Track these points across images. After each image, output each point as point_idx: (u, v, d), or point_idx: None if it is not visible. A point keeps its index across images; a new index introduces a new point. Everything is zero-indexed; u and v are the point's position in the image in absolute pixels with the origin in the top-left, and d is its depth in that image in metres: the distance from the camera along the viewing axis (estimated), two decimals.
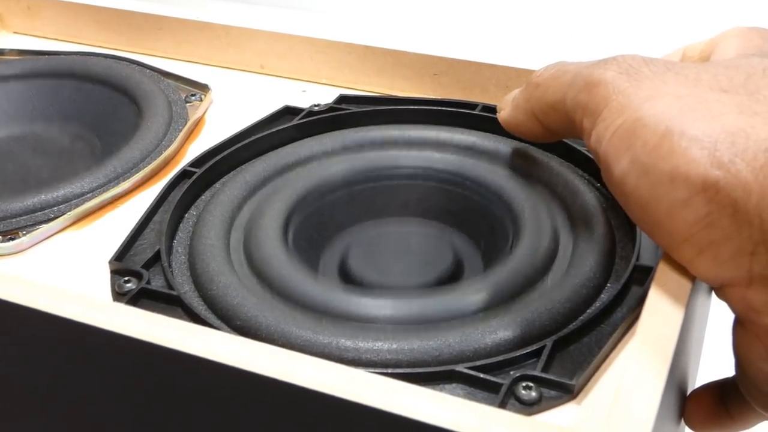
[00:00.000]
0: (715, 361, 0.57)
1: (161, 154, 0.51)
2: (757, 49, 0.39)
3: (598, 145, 0.35)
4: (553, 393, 0.35)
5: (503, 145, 0.50)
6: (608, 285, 0.40)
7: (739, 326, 0.35)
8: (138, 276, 0.41)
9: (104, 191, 0.48)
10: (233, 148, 0.50)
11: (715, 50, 0.43)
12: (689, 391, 0.44)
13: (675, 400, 0.39)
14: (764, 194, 0.31)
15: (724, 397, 0.41)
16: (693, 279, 0.35)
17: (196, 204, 0.47)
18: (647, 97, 0.34)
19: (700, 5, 1.17)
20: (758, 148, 0.31)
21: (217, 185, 0.49)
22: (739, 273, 0.32)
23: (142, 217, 0.45)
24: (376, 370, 0.34)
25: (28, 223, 0.46)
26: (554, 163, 0.48)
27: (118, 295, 0.40)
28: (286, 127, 0.52)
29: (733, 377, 0.39)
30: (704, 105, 0.33)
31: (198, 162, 0.49)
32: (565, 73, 0.39)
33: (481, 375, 0.35)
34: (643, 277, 0.40)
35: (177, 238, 0.45)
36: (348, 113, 0.53)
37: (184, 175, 0.48)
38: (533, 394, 0.34)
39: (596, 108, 0.36)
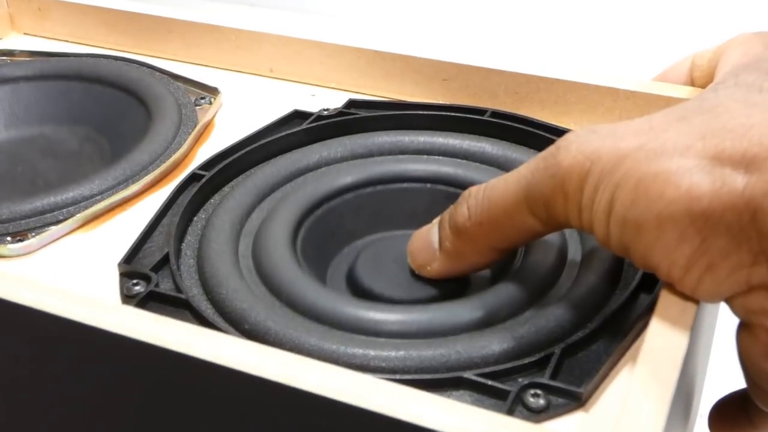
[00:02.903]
0: (722, 368, 0.57)
1: (170, 157, 0.51)
2: (755, 58, 0.39)
3: (590, 227, 0.35)
4: (561, 401, 0.34)
5: (512, 152, 0.50)
6: (616, 292, 0.40)
7: (741, 328, 0.35)
8: (147, 279, 0.41)
9: (113, 194, 0.48)
10: (242, 152, 0.50)
11: (721, 58, 0.43)
12: (695, 398, 0.44)
13: (683, 407, 0.39)
14: (754, 210, 0.31)
15: (745, 406, 0.41)
16: None
17: (205, 207, 0.47)
18: (613, 163, 0.33)
19: (705, 14, 1.17)
20: (733, 168, 0.31)
21: (226, 189, 0.49)
22: (737, 287, 0.33)
23: (151, 220, 0.45)
24: (384, 376, 0.34)
25: (37, 225, 0.46)
26: None
27: (127, 298, 0.40)
28: (296, 131, 0.52)
29: None
30: (668, 144, 0.33)
31: (207, 165, 0.49)
32: (504, 196, 0.37)
33: (489, 382, 0.35)
34: (651, 284, 0.40)
35: (186, 241, 0.45)
36: (357, 118, 0.53)
37: (193, 178, 0.48)
38: (541, 401, 0.34)
39: (574, 200, 0.35)
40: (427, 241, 0.42)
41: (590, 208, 0.34)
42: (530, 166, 0.37)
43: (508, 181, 0.38)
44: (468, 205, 0.39)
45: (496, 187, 0.38)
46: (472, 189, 0.39)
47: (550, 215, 0.36)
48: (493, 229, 0.39)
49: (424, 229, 0.42)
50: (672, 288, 0.35)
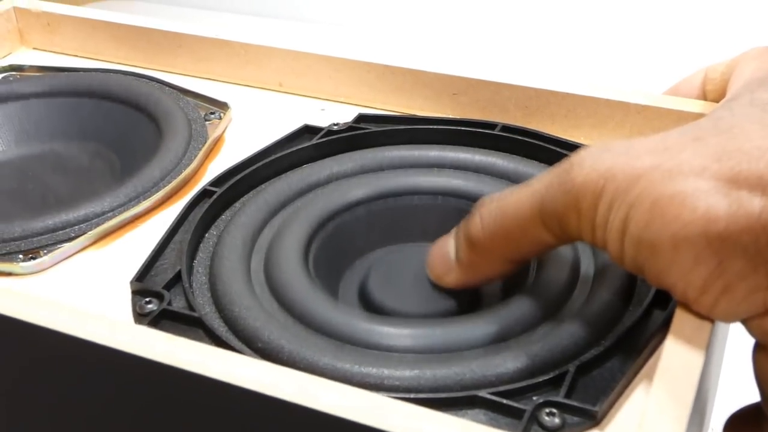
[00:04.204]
0: (731, 381, 0.57)
1: (181, 173, 0.51)
2: (766, 72, 0.39)
3: (604, 246, 0.35)
4: (576, 419, 0.34)
5: (523, 166, 0.50)
6: (630, 309, 0.40)
7: (760, 351, 0.35)
8: (159, 297, 0.41)
9: (125, 210, 0.48)
10: (253, 168, 0.50)
11: (734, 72, 0.43)
12: (707, 414, 0.44)
13: (697, 424, 0.39)
14: None
15: (759, 421, 0.41)
16: None
17: (216, 224, 0.47)
18: (627, 183, 0.33)
19: (717, 28, 1.17)
20: (750, 191, 0.31)
21: (237, 205, 0.49)
22: (754, 308, 0.32)
23: (162, 237, 0.45)
24: (399, 395, 0.34)
25: (49, 243, 0.46)
26: None
27: (140, 316, 0.40)
28: (306, 146, 0.52)
29: None
30: (684, 166, 0.33)
31: (218, 181, 0.49)
32: (517, 210, 0.38)
33: (504, 401, 0.35)
34: (665, 301, 0.40)
35: (197, 258, 0.45)
36: (367, 132, 0.53)
37: (204, 194, 0.48)
38: (556, 420, 0.34)
39: (588, 217, 0.35)
40: (444, 252, 0.42)
41: (604, 227, 0.34)
42: (544, 180, 0.37)
43: (521, 194, 0.38)
44: (481, 216, 0.39)
45: (509, 199, 0.38)
46: (485, 200, 0.39)
47: (564, 230, 0.36)
48: (506, 241, 0.39)
49: (443, 239, 0.42)
50: (686, 307, 0.34)
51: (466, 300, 0.43)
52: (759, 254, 0.31)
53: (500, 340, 0.39)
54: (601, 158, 0.34)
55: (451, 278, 0.42)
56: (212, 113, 0.57)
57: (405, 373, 0.36)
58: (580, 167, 0.35)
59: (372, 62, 0.58)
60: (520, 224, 0.38)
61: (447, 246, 0.42)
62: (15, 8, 0.68)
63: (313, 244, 0.45)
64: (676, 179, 0.32)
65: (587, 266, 0.43)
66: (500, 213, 0.38)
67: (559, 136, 0.52)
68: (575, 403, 0.34)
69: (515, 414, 0.34)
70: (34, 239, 0.46)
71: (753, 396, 0.39)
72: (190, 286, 0.42)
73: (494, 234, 0.39)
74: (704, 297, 0.33)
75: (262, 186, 0.50)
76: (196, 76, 0.64)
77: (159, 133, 0.54)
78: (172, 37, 0.64)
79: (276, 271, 0.43)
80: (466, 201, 0.48)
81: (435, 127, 0.53)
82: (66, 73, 0.62)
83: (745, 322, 0.33)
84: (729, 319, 0.33)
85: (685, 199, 0.32)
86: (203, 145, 0.53)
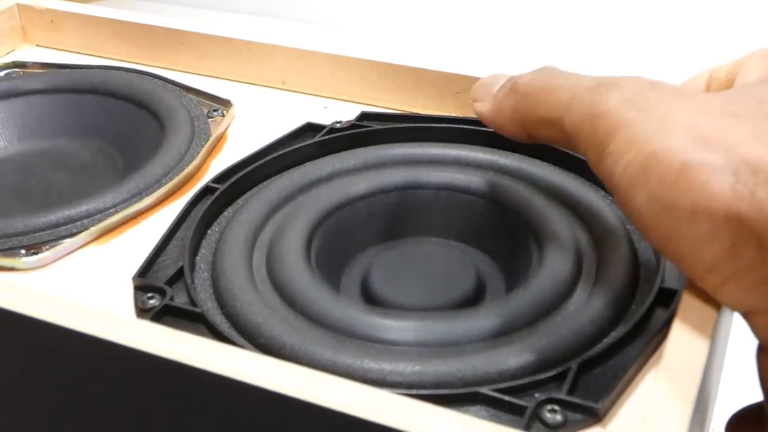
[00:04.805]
0: (733, 381, 0.57)
1: (183, 169, 0.51)
2: None
3: (609, 178, 0.34)
4: (578, 416, 0.34)
5: (525, 164, 0.50)
6: (633, 307, 0.40)
7: (762, 353, 0.35)
8: (161, 292, 0.41)
9: (127, 207, 0.48)
10: (256, 165, 0.50)
11: (740, 72, 0.43)
12: (709, 413, 0.44)
13: (699, 423, 0.39)
14: None
15: (761, 422, 0.40)
16: (719, 304, 0.35)
17: (218, 220, 0.47)
18: (658, 130, 0.33)
19: (722, 28, 1.17)
20: None
21: (240, 201, 0.49)
22: (763, 302, 0.32)
23: (165, 234, 0.45)
24: (401, 391, 0.34)
25: (51, 238, 0.46)
26: (576, 183, 0.48)
27: (142, 312, 0.40)
28: (309, 143, 0.52)
29: None
30: (718, 134, 0.32)
31: (220, 178, 0.49)
32: (559, 88, 0.38)
33: (506, 397, 0.35)
34: (667, 299, 0.40)
35: (200, 254, 0.45)
36: (370, 130, 0.53)
37: (206, 191, 0.48)
38: (558, 417, 0.34)
39: (601, 141, 0.34)
40: (491, 82, 0.43)
41: (615, 165, 0.34)
42: (587, 83, 0.37)
43: (569, 82, 0.38)
44: (535, 76, 0.40)
45: (558, 80, 0.38)
46: (550, 66, 0.40)
47: (573, 145, 0.37)
48: (528, 112, 0.39)
49: (501, 73, 0.43)
50: (690, 303, 0.34)
51: (468, 294, 0.43)
52: None
53: (502, 334, 0.39)
54: (635, 96, 0.34)
55: (481, 108, 0.43)
56: (215, 110, 0.57)
57: (407, 369, 0.36)
58: (616, 95, 0.35)
59: (375, 60, 0.58)
60: (545, 113, 0.38)
61: (497, 79, 0.42)
62: (18, 5, 0.68)
63: (314, 239, 0.45)
64: (710, 149, 0.32)
65: (590, 262, 0.43)
66: (544, 86, 0.39)
67: None
68: (577, 400, 0.34)
69: (517, 411, 0.34)
70: (37, 234, 0.46)
71: (754, 397, 0.39)
72: (192, 282, 0.42)
73: (528, 99, 0.39)
74: (711, 276, 0.32)
75: (265, 183, 0.50)
76: (199, 73, 0.64)
77: (161, 129, 0.54)
78: (174, 34, 0.64)
79: (278, 266, 0.43)
80: (470, 195, 0.48)
81: (437, 125, 0.53)
82: (69, 70, 0.62)
83: (750, 318, 0.33)
84: (734, 304, 0.33)
85: (714, 170, 0.31)
86: (206, 142, 0.53)
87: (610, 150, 0.34)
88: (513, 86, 0.40)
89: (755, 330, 0.34)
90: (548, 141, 0.40)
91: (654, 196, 0.33)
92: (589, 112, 0.35)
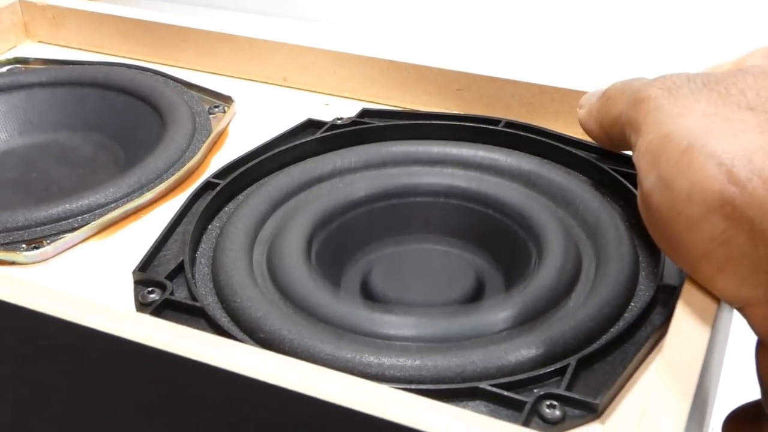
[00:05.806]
0: (732, 379, 0.57)
1: (185, 165, 0.51)
2: None
3: (636, 160, 0.36)
4: (577, 412, 0.34)
5: (526, 162, 0.50)
6: (632, 304, 0.40)
7: (761, 348, 0.35)
8: (162, 287, 0.41)
9: (128, 201, 0.48)
10: (257, 161, 0.50)
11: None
12: (708, 411, 0.44)
13: (697, 420, 0.39)
14: None
15: (759, 419, 0.41)
16: (719, 300, 0.35)
17: (219, 215, 0.47)
18: (678, 114, 0.35)
19: (722, 26, 1.17)
20: None
21: (240, 197, 0.49)
22: (758, 292, 0.32)
23: (165, 228, 0.45)
24: (400, 386, 0.34)
25: (53, 232, 0.46)
26: (577, 182, 0.48)
27: (142, 306, 0.40)
28: (310, 140, 0.52)
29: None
30: (728, 123, 0.33)
31: (221, 174, 0.49)
32: (629, 88, 0.40)
33: (505, 393, 0.35)
34: (666, 296, 0.40)
35: (200, 249, 0.45)
36: (371, 127, 0.53)
37: (207, 186, 0.49)
38: (557, 412, 0.34)
39: (639, 124, 0.37)
40: (597, 91, 0.45)
41: (642, 144, 0.36)
42: (633, 85, 0.39)
43: (631, 88, 0.40)
44: (621, 81, 0.42)
45: (630, 86, 0.40)
46: (640, 79, 0.41)
47: (627, 135, 0.39)
48: (606, 112, 0.43)
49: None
50: (689, 300, 0.34)
51: (467, 292, 0.43)
52: (761, 232, 0.31)
53: (502, 330, 0.39)
54: (673, 86, 0.36)
55: (580, 113, 0.46)
56: (216, 107, 0.57)
57: (406, 364, 0.36)
58: (659, 84, 0.37)
59: (376, 57, 0.58)
60: (618, 105, 0.41)
61: (603, 90, 0.45)
62: (21, 1, 0.68)
63: (315, 236, 0.45)
64: (716, 134, 0.33)
65: (589, 259, 0.43)
66: (621, 87, 0.42)
67: (563, 132, 0.52)
68: (576, 396, 0.34)
69: (516, 406, 0.35)
70: (38, 229, 0.46)
71: (752, 396, 0.39)
72: (193, 276, 0.42)
73: (609, 100, 0.42)
74: (705, 263, 0.33)
75: (266, 179, 0.50)
76: (201, 70, 0.64)
77: (163, 124, 0.54)
78: (176, 31, 0.64)
79: (278, 262, 0.43)
80: (469, 201, 0.48)
81: (438, 122, 0.53)
82: (71, 65, 0.62)
83: (747, 311, 0.33)
84: (730, 296, 0.33)
85: (713, 154, 0.32)
86: (207, 138, 0.53)
87: (642, 131, 0.36)
88: (604, 92, 0.43)
89: (752, 324, 0.34)
90: (620, 143, 0.42)
91: (660, 175, 0.34)
92: (635, 98, 0.38)
